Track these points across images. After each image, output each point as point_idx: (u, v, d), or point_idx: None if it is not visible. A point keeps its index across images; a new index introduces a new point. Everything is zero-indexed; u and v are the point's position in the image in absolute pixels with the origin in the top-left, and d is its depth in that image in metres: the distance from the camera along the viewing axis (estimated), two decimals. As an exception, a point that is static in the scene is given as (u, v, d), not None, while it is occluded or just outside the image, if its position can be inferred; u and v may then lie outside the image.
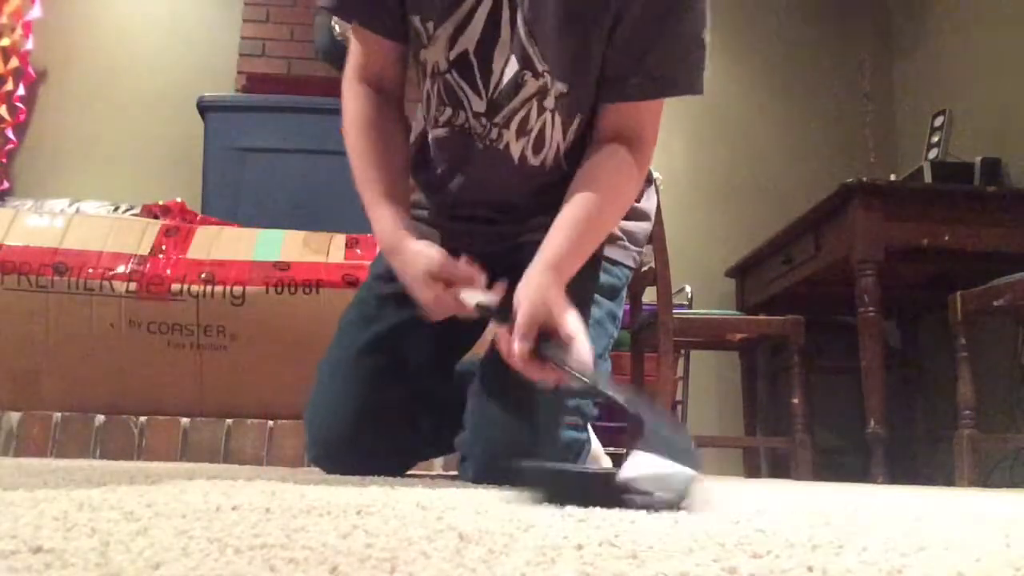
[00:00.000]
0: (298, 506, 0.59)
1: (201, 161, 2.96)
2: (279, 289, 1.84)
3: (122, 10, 3.70)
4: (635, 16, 1.08)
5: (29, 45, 3.49)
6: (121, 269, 1.84)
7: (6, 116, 3.38)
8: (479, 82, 1.14)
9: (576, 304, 1.02)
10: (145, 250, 1.89)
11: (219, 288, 1.83)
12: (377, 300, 1.27)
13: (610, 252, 1.25)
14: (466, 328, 1.22)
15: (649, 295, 2.60)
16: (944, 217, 2.56)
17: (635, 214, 1.31)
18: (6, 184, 3.39)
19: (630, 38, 1.09)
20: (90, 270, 1.83)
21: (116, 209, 2.71)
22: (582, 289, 1.13)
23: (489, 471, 1.10)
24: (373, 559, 0.36)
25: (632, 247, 1.30)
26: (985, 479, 2.35)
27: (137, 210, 2.50)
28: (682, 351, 2.99)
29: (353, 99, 1.19)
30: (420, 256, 1.07)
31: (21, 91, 3.45)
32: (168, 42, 3.66)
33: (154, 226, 1.98)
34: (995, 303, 2.19)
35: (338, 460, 1.22)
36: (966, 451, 2.18)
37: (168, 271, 1.85)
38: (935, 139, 3.08)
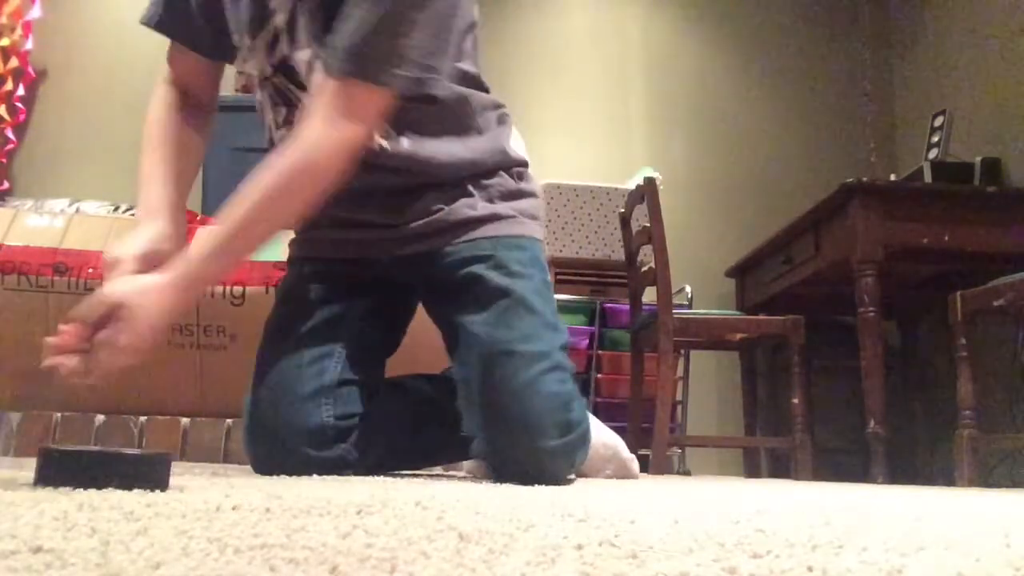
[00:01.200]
0: (298, 506, 0.59)
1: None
2: (279, 289, 1.84)
3: (122, 10, 3.69)
4: None
5: (29, 45, 3.49)
6: (121, 269, 1.84)
7: (6, 116, 3.38)
8: (304, 80, 1.22)
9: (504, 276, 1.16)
10: (145, 250, 1.89)
11: (219, 288, 1.83)
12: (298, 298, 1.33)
13: (512, 230, 1.28)
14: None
15: (649, 295, 2.60)
16: (944, 217, 2.56)
17: (519, 194, 1.34)
18: (6, 184, 3.39)
19: (345, 12, 1.12)
20: (90, 270, 1.83)
21: (116, 209, 2.71)
22: (515, 273, 1.21)
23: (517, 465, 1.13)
24: (373, 559, 0.36)
25: (529, 221, 1.33)
26: (985, 479, 2.35)
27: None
28: (682, 351, 2.99)
29: (155, 98, 1.30)
30: (135, 237, 1.10)
31: (21, 91, 3.45)
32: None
33: (154, 226, 1.97)
34: (995, 303, 2.19)
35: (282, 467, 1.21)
36: (966, 451, 2.18)
37: (168, 271, 1.85)
38: (935, 139, 3.08)
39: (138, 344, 0.95)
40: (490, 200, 1.29)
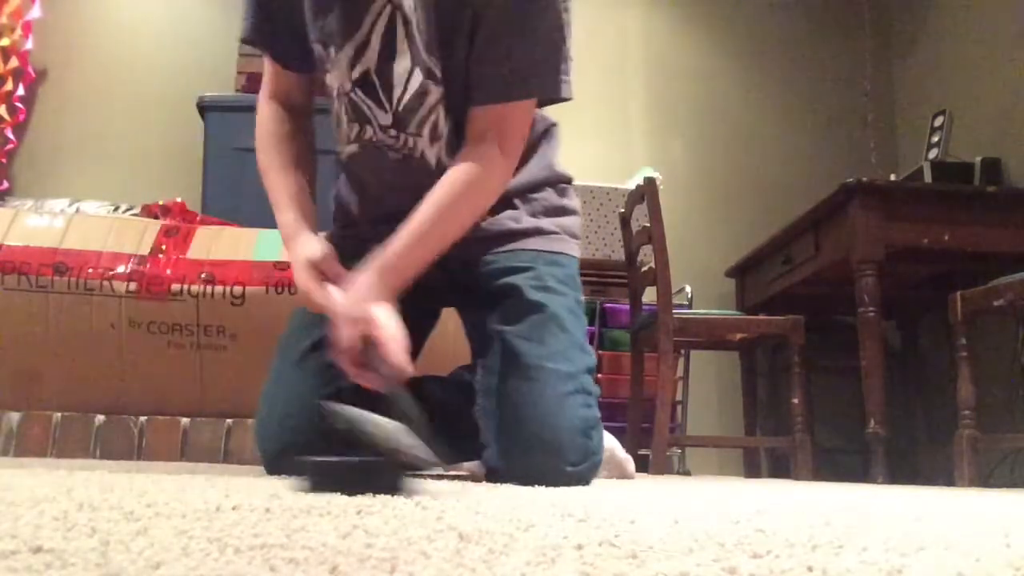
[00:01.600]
0: (298, 506, 0.59)
1: (201, 161, 2.96)
2: (279, 289, 1.84)
3: (122, 10, 3.70)
4: (490, 20, 1.15)
5: (29, 45, 3.48)
6: (121, 269, 1.84)
7: (6, 116, 3.38)
8: (382, 97, 1.23)
9: (542, 292, 1.18)
10: (145, 250, 1.89)
11: (219, 288, 1.83)
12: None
13: (553, 247, 1.31)
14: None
15: (649, 295, 2.60)
16: (944, 217, 2.56)
17: (563, 211, 1.37)
18: (6, 184, 3.39)
19: (485, 42, 1.16)
20: (90, 270, 1.83)
21: (116, 209, 2.71)
22: (550, 289, 1.23)
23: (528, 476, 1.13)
24: (373, 559, 0.36)
25: (570, 239, 1.36)
26: (985, 479, 2.35)
27: (137, 210, 2.50)
28: (682, 351, 2.99)
29: (264, 116, 1.31)
30: (308, 244, 1.16)
31: (21, 91, 3.45)
32: (168, 42, 3.66)
33: (154, 226, 1.98)
34: (995, 303, 2.19)
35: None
36: (966, 451, 2.18)
37: (168, 271, 1.85)
38: (935, 139, 3.08)
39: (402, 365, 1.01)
40: (534, 214, 1.31)
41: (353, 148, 1.29)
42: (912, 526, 0.62)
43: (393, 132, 1.24)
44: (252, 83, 3.33)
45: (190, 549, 0.37)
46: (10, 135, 3.41)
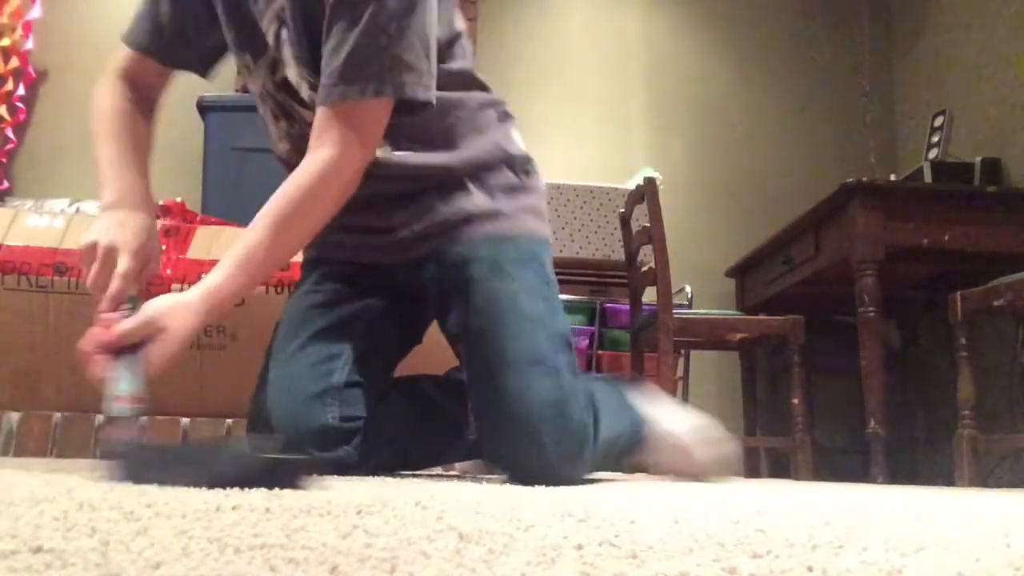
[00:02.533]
0: (298, 506, 0.59)
1: (201, 161, 2.95)
2: (279, 289, 1.84)
3: (122, 10, 3.69)
4: (328, 19, 1.13)
5: (29, 45, 3.48)
6: (121, 269, 1.84)
7: (6, 116, 3.38)
8: (304, 96, 1.23)
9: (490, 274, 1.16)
10: (145, 250, 1.89)
11: (219, 288, 1.83)
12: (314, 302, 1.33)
13: (508, 226, 1.27)
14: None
15: (649, 295, 2.60)
16: (944, 217, 2.56)
17: (520, 189, 1.32)
18: (6, 184, 3.39)
19: (326, 39, 1.13)
20: (90, 270, 1.83)
21: (116, 209, 2.71)
22: (505, 274, 1.21)
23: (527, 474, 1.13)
24: (373, 559, 0.36)
25: (530, 217, 1.32)
26: (985, 479, 2.35)
27: (137, 210, 2.49)
28: (682, 351, 2.99)
29: (108, 90, 1.29)
30: (135, 228, 1.11)
31: (21, 91, 3.45)
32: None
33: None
34: (995, 303, 2.19)
35: None
36: (966, 451, 2.17)
37: (168, 271, 1.85)
38: (935, 139, 3.08)
39: (167, 360, 0.99)
40: (490, 195, 1.28)
41: (287, 145, 1.31)
42: (912, 526, 0.62)
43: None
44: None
45: (190, 549, 0.37)
46: (10, 135, 3.41)
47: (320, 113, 1.14)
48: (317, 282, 1.35)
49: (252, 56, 1.26)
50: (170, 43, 1.32)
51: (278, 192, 1.12)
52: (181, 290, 1.81)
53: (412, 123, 1.20)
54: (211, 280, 1.06)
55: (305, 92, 1.22)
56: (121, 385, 0.97)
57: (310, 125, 1.21)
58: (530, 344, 1.16)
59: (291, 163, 1.30)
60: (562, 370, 1.17)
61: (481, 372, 1.17)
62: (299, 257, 1.49)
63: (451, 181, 1.27)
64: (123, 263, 1.06)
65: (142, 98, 1.32)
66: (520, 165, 1.34)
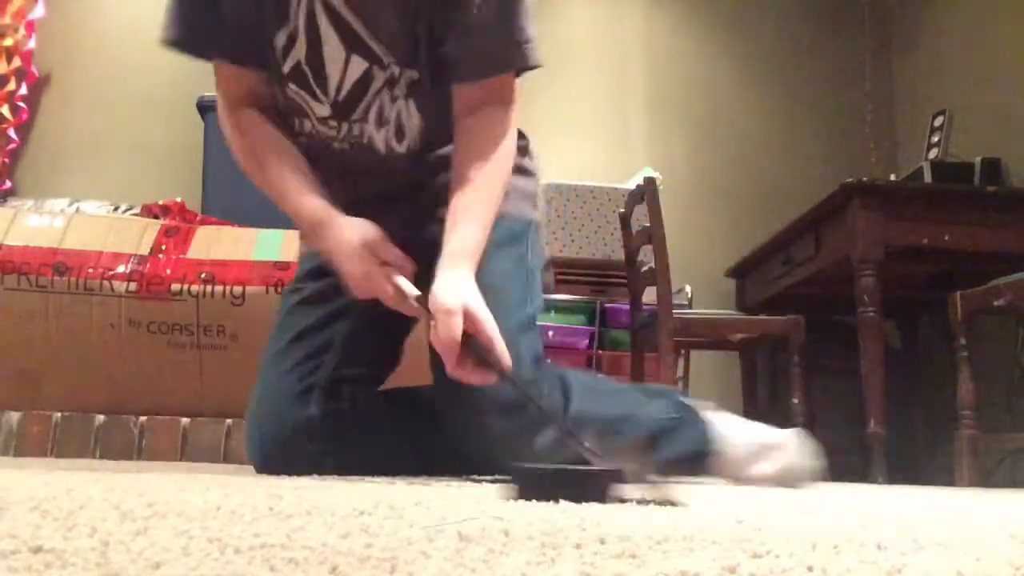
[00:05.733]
0: (298, 506, 0.59)
1: (201, 161, 2.95)
2: (279, 289, 1.84)
3: (123, 10, 3.69)
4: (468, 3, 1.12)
5: (32, 45, 3.48)
6: (121, 269, 1.84)
7: (9, 116, 3.38)
8: (316, 88, 1.18)
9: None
10: (145, 250, 1.89)
11: (219, 288, 1.83)
12: (301, 309, 1.31)
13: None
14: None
15: (649, 295, 2.60)
16: (944, 217, 2.56)
17: (516, 170, 1.31)
18: (8, 184, 3.39)
19: (450, 20, 1.13)
20: (90, 270, 1.83)
21: (116, 209, 2.71)
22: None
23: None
24: (373, 559, 0.36)
25: (519, 200, 1.31)
26: (985, 479, 2.35)
27: (137, 210, 2.50)
28: (682, 351, 2.98)
29: (241, 122, 1.21)
30: (356, 228, 1.09)
31: (24, 91, 3.45)
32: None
33: (154, 226, 1.98)
34: (995, 303, 2.18)
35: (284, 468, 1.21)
36: (966, 451, 2.17)
37: (168, 271, 1.85)
38: (935, 139, 3.08)
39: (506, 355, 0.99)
40: None
41: (301, 139, 1.24)
42: (912, 526, 0.62)
43: (333, 123, 1.20)
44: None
45: (190, 549, 0.37)
46: (13, 135, 3.41)
47: (466, 89, 1.16)
48: (309, 276, 1.34)
49: (271, 38, 1.18)
50: (248, 43, 1.20)
51: (464, 163, 1.13)
52: (181, 290, 1.82)
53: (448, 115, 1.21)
54: (462, 242, 1.07)
55: (356, 69, 1.16)
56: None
57: (323, 122, 1.19)
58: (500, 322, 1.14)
59: (307, 154, 1.25)
60: (522, 357, 1.14)
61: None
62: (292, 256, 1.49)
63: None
64: (400, 272, 1.06)
65: (271, 115, 1.23)
66: (520, 146, 1.32)
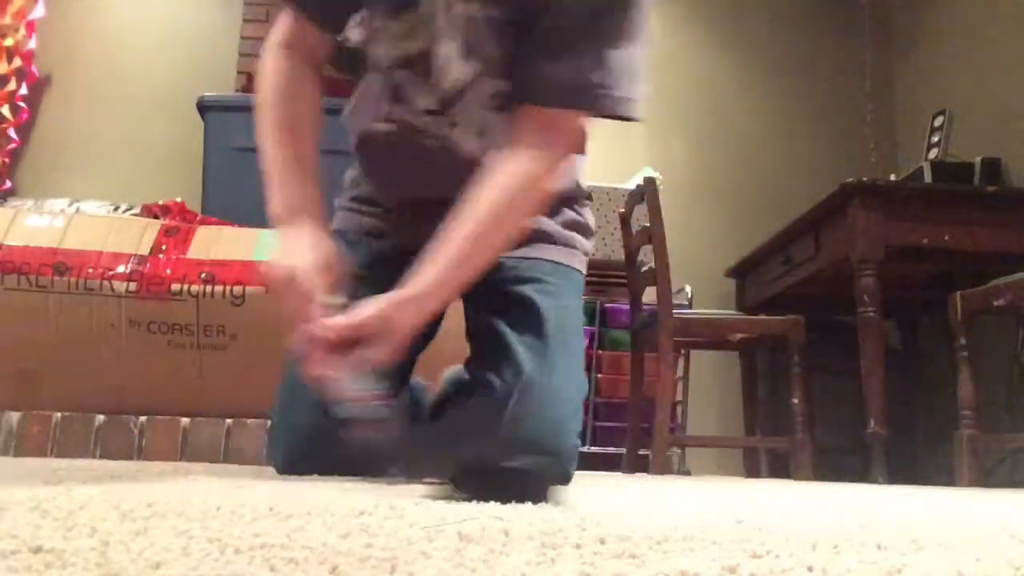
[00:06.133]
0: (298, 506, 0.59)
1: (201, 161, 2.96)
2: (279, 289, 1.84)
3: (123, 10, 3.70)
4: (562, 15, 1.05)
5: (32, 44, 3.48)
6: (121, 269, 1.84)
7: (9, 116, 3.38)
8: (425, 82, 1.15)
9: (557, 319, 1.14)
10: (145, 250, 1.89)
11: (219, 288, 1.83)
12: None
13: (570, 261, 1.30)
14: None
15: (649, 295, 2.60)
16: (944, 217, 2.56)
17: (581, 228, 1.35)
18: (8, 184, 3.39)
19: (556, 39, 1.06)
20: (90, 270, 1.83)
21: (116, 209, 2.71)
22: (564, 307, 1.21)
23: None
24: (373, 559, 0.36)
25: (584, 257, 1.35)
26: (985, 479, 2.35)
27: (137, 210, 2.50)
28: (682, 351, 2.98)
29: (274, 67, 1.16)
30: (314, 240, 1.04)
31: (24, 91, 3.45)
32: (168, 42, 3.66)
33: (154, 226, 1.98)
34: (995, 303, 2.18)
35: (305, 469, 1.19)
36: (966, 451, 2.17)
37: (168, 271, 1.85)
38: (935, 139, 3.08)
39: (394, 355, 0.95)
40: (563, 225, 1.30)
41: (384, 127, 1.20)
42: (912, 526, 0.62)
43: (430, 117, 1.18)
44: (252, 83, 3.32)
45: (190, 549, 0.37)
46: (13, 135, 3.41)
47: (529, 112, 1.08)
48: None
49: (385, 20, 1.14)
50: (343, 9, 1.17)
51: (489, 185, 1.05)
52: (181, 290, 1.82)
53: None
54: (427, 277, 1.01)
55: (466, 70, 1.12)
56: (359, 384, 0.92)
57: (423, 114, 1.16)
58: (573, 385, 1.18)
59: (374, 148, 1.23)
60: (580, 419, 1.20)
61: (522, 390, 1.13)
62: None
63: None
64: (314, 289, 0.99)
65: (306, 63, 1.18)
66: (584, 201, 1.36)
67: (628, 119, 1.10)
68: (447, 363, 1.42)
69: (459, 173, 1.16)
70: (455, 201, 1.14)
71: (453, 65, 1.13)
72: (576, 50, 1.05)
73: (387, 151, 1.22)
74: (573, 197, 1.33)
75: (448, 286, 1.03)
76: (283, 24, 1.19)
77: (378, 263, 1.27)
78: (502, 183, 1.05)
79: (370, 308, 0.95)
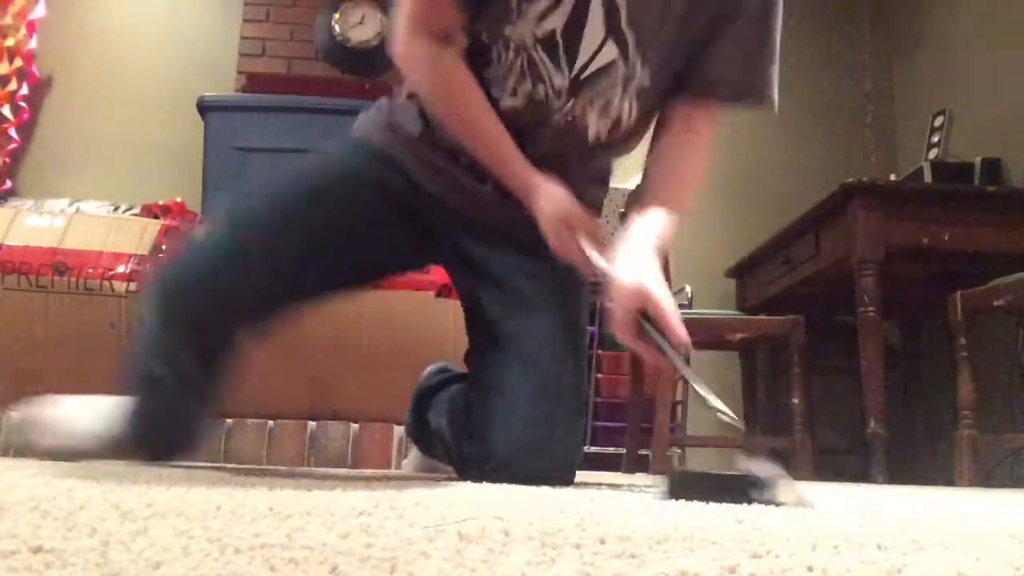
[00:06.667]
0: (298, 506, 0.59)
1: (201, 161, 2.96)
2: (279, 289, 1.84)
3: (124, 10, 3.70)
4: (733, 22, 1.16)
5: (33, 44, 3.48)
6: (121, 269, 1.84)
7: (9, 116, 3.38)
8: (563, 61, 1.17)
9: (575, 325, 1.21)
10: (145, 250, 1.89)
11: (219, 288, 1.83)
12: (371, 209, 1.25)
13: None
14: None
15: (649, 295, 2.60)
16: (944, 217, 2.56)
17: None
18: (9, 184, 3.39)
19: (731, 42, 1.17)
20: (90, 270, 1.83)
21: (116, 209, 2.71)
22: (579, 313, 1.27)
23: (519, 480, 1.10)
24: (373, 559, 0.36)
25: None
26: (985, 479, 2.35)
27: (137, 210, 2.51)
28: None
29: (443, 61, 1.18)
30: (555, 198, 1.14)
31: (25, 91, 3.45)
32: (168, 42, 3.66)
33: (154, 226, 1.98)
34: (995, 303, 2.18)
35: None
36: (966, 451, 2.17)
37: (168, 271, 1.85)
38: (935, 139, 3.08)
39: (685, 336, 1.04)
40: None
41: (516, 102, 1.20)
42: (912, 526, 0.62)
43: (564, 97, 1.19)
44: (252, 83, 3.33)
45: (190, 549, 0.37)
46: (13, 135, 3.41)
47: (699, 104, 1.23)
48: (368, 184, 1.25)
49: (527, 1, 1.15)
50: None
51: (677, 159, 1.24)
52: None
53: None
54: (650, 222, 1.13)
55: (608, 54, 1.16)
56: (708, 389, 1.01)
57: (557, 94, 1.18)
58: (582, 382, 1.23)
59: (509, 120, 1.22)
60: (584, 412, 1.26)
61: (536, 388, 1.16)
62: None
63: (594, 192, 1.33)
64: (590, 239, 1.12)
65: (456, 53, 1.19)
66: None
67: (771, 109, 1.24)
68: (449, 360, 1.42)
69: (574, 152, 1.22)
70: (574, 183, 1.19)
71: (594, 49, 1.16)
72: (750, 48, 1.18)
73: (508, 124, 1.21)
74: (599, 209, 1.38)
75: (662, 249, 1.13)
76: (415, 7, 1.18)
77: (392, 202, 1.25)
78: (686, 155, 1.24)
79: (656, 292, 1.02)
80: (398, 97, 1.31)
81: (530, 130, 1.22)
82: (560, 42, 1.16)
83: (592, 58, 1.16)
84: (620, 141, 1.26)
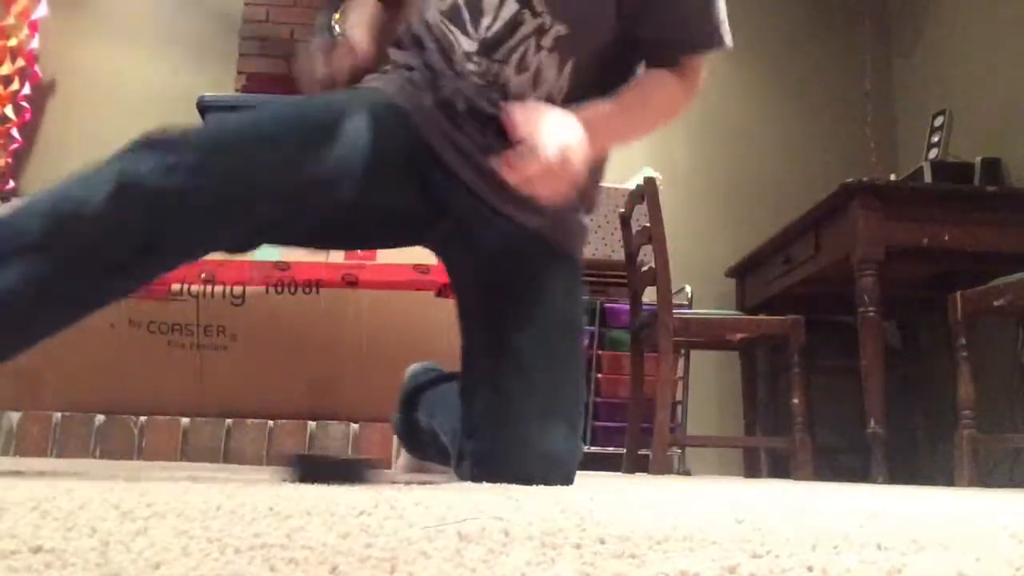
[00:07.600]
0: (298, 506, 0.59)
1: (201, 161, 2.95)
2: (279, 289, 1.84)
3: (125, 10, 3.70)
4: None
5: (35, 44, 3.48)
6: (121, 269, 1.84)
7: (12, 116, 3.38)
8: (468, 25, 1.19)
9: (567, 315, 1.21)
10: (145, 250, 1.89)
11: (219, 288, 1.84)
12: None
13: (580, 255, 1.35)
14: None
15: (649, 295, 2.60)
16: (944, 217, 2.56)
17: (584, 233, 1.39)
18: (12, 184, 3.39)
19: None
20: (90, 270, 1.83)
21: (116, 209, 2.71)
22: (574, 302, 1.27)
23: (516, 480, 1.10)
24: (373, 559, 0.36)
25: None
26: (985, 479, 2.35)
27: (137, 210, 2.50)
28: (682, 351, 2.98)
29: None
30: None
31: (27, 90, 3.45)
32: (168, 42, 3.66)
33: (154, 226, 1.98)
34: (995, 303, 2.18)
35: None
36: (966, 451, 2.17)
37: (168, 271, 1.85)
38: (935, 139, 3.08)
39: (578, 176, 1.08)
40: (576, 225, 1.36)
41: (468, 66, 1.21)
42: (912, 526, 0.62)
43: (477, 59, 1.20)
44: (252, 83, 3.33)
45: (190, 549, 0.37)
46: (16, 135, 3.41)
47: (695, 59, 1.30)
48: (384, 119, 1.19)
49: None
50: None
51: (655, 82, 1.27)
52: (181, 290, 1.82)
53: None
54: (587, 118, 1.14)
55: (507, 11, 1.17)
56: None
57: (468, 57, 1.19)
58: (580, 387, 1.23)
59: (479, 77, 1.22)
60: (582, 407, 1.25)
61: (526, 387, 1.16)
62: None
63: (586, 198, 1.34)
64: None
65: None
66: (593, 207, 1.44)
67: (726, 48, 1.28)
68: (443, 361, 1.42)
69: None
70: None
71: (496, 8, 1.18)
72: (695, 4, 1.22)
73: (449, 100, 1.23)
74: (592, 202, 1.38)
75: (596, 133, 1.14)
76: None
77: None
78: (651, 84, 1.26)
79: (545, 137, 1.06)
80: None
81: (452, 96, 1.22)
82: (464, 7, 1.20)
83: (496, 16, 1.18)
84: (574, 94, 1.22)
